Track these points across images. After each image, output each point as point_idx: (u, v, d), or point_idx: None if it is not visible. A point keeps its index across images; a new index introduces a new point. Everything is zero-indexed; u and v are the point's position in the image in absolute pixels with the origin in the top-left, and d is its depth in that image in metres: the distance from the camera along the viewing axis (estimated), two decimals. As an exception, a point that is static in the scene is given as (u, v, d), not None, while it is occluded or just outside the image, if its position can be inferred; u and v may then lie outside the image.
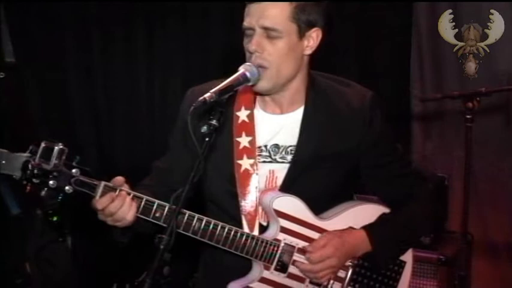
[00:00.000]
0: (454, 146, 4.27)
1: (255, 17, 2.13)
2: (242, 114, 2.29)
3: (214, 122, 1.94)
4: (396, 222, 2.35)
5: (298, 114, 2.28)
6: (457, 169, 4.14)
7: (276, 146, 2.29)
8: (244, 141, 2.27)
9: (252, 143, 2.27)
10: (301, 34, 2.17)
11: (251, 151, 2.26)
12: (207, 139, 1.93)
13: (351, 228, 2.32)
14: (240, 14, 2.20)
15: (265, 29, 2.12)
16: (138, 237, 2.29)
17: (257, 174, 2.26)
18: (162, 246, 1.86)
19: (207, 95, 1.93)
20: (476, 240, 4.11)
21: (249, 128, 2.27)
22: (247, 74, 2.09)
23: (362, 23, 4.49)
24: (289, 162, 2.26)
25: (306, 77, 2.28)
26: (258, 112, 2.30)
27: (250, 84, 2.12)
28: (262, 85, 2.17)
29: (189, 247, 2.27)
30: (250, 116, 2.28)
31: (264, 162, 2.28)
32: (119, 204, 2.08)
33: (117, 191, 2.10)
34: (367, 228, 2.32)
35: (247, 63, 2.13)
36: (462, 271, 3.69)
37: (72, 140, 4.65)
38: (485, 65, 4.23)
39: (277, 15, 2.11)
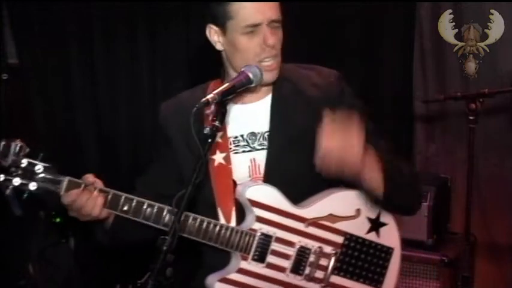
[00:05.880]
0: (457, 147, 4.25)
1: (261, 12, 2.15)
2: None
3: (216, 123, 1.94)
4: (391, 165, 2.20)
5: (267, 100, 2.30)
6: (459, 171, 4.12)
7: (253, 134, 2.30)
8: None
9: (224, 137, 2.28)
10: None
11: (223, 145, 2.28)
12: (209, 140, 1.93)
13: (331, 215, 2.25)
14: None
15: (273, 21, 2.17)
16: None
17: (231, 166, 2.27)
18: (165, 248, 1.86)
19: (209, 96, 1.94)
20: (479, 241, 4.10)
21: None
22: (250, 75, 2.10)
23: (365, 24, 4.48)
24: (267, 148, 2.27)
25: None
26: (229, 105, 2.22)
27: (252, 85, 2.13)
28: (271, 76, 2.22)
29: (192, 248, 2.27)
30: None
31: (244, 152, 2.30)
32: (85, 198, 2.11)
33: (82, 185, 2.12)
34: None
35: (249, 65, 2.13)
36: (465, 272, 3.69)
37: (75, 140, 4.67)
38: (487, 66, 4.22)
39: (277, 7, 2.20)
